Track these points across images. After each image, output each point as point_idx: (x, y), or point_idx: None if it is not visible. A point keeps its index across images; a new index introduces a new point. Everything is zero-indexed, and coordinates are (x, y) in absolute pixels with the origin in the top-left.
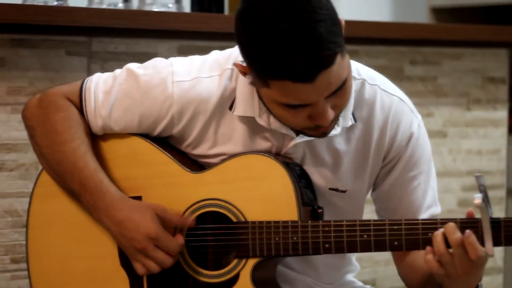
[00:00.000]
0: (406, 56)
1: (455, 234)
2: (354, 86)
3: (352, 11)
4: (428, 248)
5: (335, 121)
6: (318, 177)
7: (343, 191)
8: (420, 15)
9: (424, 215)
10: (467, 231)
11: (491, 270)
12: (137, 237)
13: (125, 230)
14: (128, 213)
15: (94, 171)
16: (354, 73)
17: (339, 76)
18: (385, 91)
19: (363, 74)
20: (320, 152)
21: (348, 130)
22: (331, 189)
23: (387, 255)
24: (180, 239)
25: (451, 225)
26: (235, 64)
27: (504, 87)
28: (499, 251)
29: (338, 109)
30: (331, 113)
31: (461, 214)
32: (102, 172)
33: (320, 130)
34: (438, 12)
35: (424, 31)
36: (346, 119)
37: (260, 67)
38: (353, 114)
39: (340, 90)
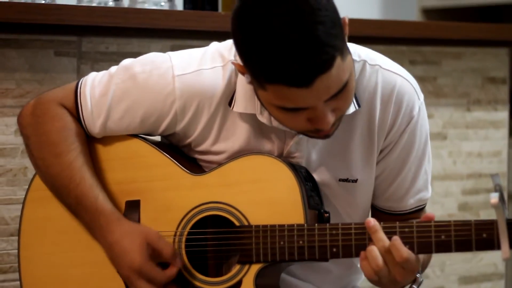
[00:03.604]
0: (405, 55)
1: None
2: (355, 69)
3: (341, 10)
4: (363, 253)
5: (336, 123)
6: (326, 169)
7: (354, 181)
8: (411, 16)
9: (411, 200)
10: (394, 236)
11: (493, 276)
12: (121, 264)
13: (114, 254)
14: (119, 237)
15: (90, 187)
16: (354, 56)
17: (339, 79)
18: (388, 70)
19: (363, 56)
20: (325, 144)
21: (352, 115)
22: (341, 180)
23: None
24: (169, 272)
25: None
26: (233, 63)
27: (505, 87)
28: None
29: (339, 112)
30: (331, 117)
31: (461, 218)
32: (98, 188)
33: (321, 133)
34: (429, 13)
35: (423, 29)
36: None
37: (255, 69)
38: (356, 99)
39: (341, 93)
